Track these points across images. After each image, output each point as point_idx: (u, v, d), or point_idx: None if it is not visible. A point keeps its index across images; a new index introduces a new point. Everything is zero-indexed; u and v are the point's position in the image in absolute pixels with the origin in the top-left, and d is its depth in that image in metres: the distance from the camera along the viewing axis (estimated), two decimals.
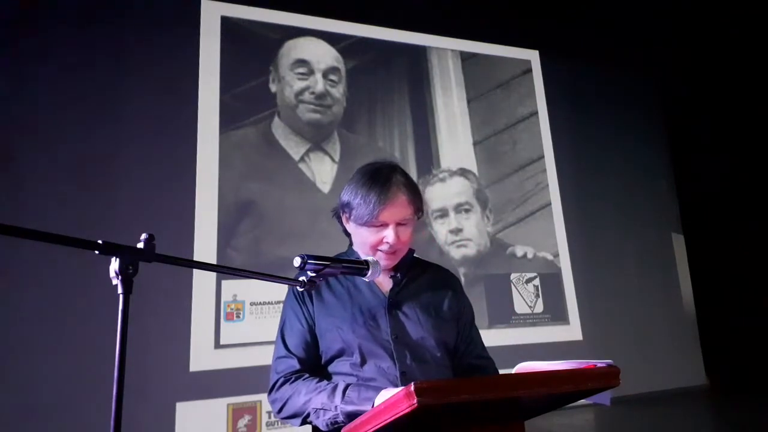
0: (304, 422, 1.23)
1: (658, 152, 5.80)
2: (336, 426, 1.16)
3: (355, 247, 1.42)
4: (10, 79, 3.39)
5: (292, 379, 1.26)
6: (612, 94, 5.57)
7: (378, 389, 1.14)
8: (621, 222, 5.21)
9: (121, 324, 0.83)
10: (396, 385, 1.21)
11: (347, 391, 1.16)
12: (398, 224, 1.30)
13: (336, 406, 1.15)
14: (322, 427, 1.19)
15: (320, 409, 1.17)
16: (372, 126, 4.46)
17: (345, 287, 1.37)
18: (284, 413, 1.25)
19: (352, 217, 1.33)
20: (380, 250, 1.32)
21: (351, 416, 1.12)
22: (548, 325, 4.56)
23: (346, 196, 1.34)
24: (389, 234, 1.29)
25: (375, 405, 1.09)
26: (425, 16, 4.83)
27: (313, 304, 1.34)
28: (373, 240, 1.31)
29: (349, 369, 1.26)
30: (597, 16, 5.40)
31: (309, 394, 1.20)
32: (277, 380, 1.28)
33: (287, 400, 1.24)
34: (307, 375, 1.27)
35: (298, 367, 1.28)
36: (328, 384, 1.22)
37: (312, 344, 1.32)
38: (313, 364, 1.31)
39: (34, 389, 3.02)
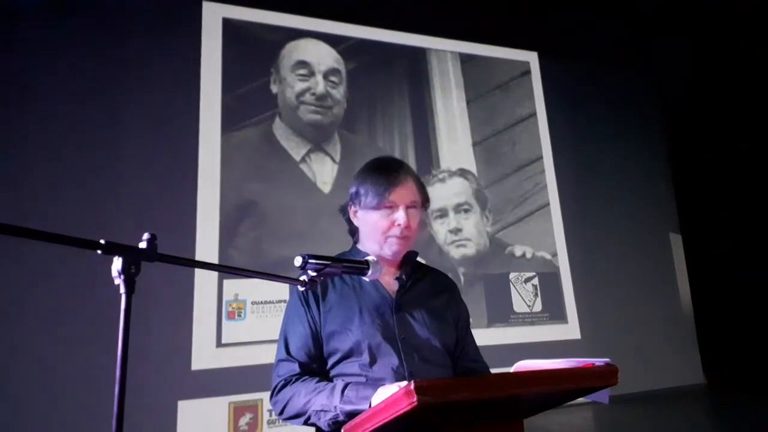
0: (306, 423, 1.24)
1: (657, 152, 5.80)
2: (338, 425, 1.16)
3: (363, 242, 1.42)
4: (10, 79, 3.40)
5: (293, 380, 1.27)
6: (611, 95, 5.57)
7: (376, 387, 1.14)
8: (619, 221, 5.21)
9: (124, 323, 0.83)
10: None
11: (346, 391, 1.17)
12: (408, 207, 1.32)
13: (335, 407, 1.15)
14: (324, 427, 1.20)
15: (320, 410, 1.18)
16: (372, 127, 4.47)
17: (351, 287, 1.37)
18: (285, 414, 1.26)
19: (362, 204, 1.34)
20: (391, 236, 1.33)
21: (351, 415, 1.12)
22: (547, 324, 4.57)
23: (354, 187, 1.37)
24: (400, 215, 1.31)
25: (372, 403, 1.10)
26: (425, 18, 4.84)
27: (318, 307, 1.34)
28: (384, 224, 1.32)
29: (359, 369, 1.26)
30: (596, 17, 5.40)
31: (308, 395, 1.21)
32: (278, 383, 1.29)
33: (288, 401, 1.24)
34: (306, 377, 1.28)
35: (298, 371, 1.28)
36: (327, 384, 1.22)
37: (314, 348, 1.31)
38: (315, 368, 1.31)
39: (37, 388, 3.02)
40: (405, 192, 1.32)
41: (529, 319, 4.52)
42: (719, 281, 5.40)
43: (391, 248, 1.34)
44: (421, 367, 1.27)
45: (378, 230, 1.33)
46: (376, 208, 1.31)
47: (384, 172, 1.33)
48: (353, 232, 1.46)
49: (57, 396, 3.04)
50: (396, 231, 1.32)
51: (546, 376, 0.98)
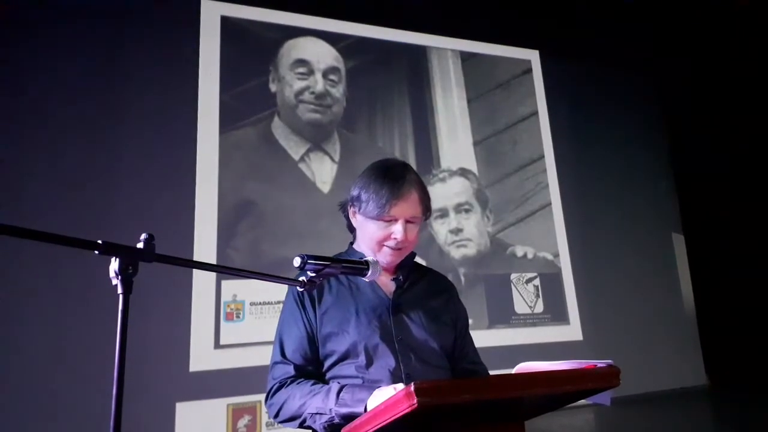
0: (301, 426, 1.23)
1: (658, 152, 5.80)
2: (333, 428, 1.16)
3: (359, 243, 1.41)
4: (10, 79, 3.39)
5: (288, 383, 1.26)
6: (612, 94, 5.57)
7: (372, 390, 1.13)
8: (621, 222, 5.21)
9: (121, 324, 0.83)
10: None
11: (341, 393, 1.16)
12: (407, 221, 1.31)
13: (331, 409, 1.14)
14: (319, 430, 1.19)
15: (316, 413, 1.17)
16: (372, 126, 4.46)
17: (347, 288, 1.36)
18: (280, 417, 1.25)
19: (361, 211, 1.32)
20: (386, 246, 1.32)
21: (346, 418, 1.12)
22: (548, 325, 4.56)
23: (356, 190, 1.34)
24: (398, 230, 1.29)
25: (368, 405, 1.09)
26: (425, 16, 4.83)
27: (314, 308, 1.33)
28: (380, 235, 1.31)
29: (355, 371, 1.26)
30: (597, 15, 5.39)
31: (304, 398, 1.20)
32: (273, 386, 1.28)
33: (283, 404, 1.24)
34: (302, 379, 1.27)
35: (293, 373, 1.28)
36: (322, 387, 1.22)
37: (310, 350, 1.30)
38: (310, 370, 1.30)
39: (34, 389, 3.01)
40: (407, 206, 1.29)
41: (531, 320, 4.50)
42: (722, 281, 5.39)
43: (384, 258, 1.33)
44: (419, 369, 1.26)
45: (373, 239, 1.32)
46: (375, 219, 1.30)
47: (388, 182, 1.29)
48: (352, 228, 1.45)
49: (54, 397, 3.02)
50: (391, 243, 1.31)
51: (547, 377, 0.98)
